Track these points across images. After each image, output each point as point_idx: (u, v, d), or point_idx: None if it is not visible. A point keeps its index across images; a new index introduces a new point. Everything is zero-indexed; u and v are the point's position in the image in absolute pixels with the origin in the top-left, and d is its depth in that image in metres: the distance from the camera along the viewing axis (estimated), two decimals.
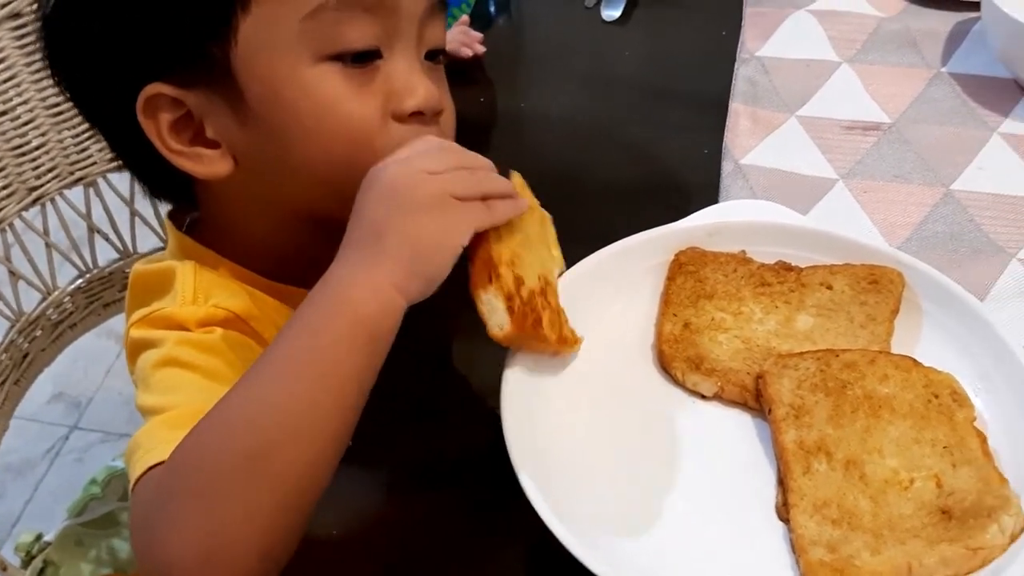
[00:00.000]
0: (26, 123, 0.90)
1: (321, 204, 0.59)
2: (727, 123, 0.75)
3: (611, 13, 0.89)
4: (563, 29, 0.91)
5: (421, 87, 0.57)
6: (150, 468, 0.49)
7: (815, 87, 0.79)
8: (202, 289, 0.59)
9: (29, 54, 0.87)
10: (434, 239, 0.49)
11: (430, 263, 0.49)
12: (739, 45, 0.83)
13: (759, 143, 0.73)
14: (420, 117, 0.57)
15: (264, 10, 0.54)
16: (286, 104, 0.56)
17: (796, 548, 0.48)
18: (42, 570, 0.92)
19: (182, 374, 0.54)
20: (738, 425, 0.54)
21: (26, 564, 0.96)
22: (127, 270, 1.04)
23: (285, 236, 0.62)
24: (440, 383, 0.62)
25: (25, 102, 0.89)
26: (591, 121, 0.81)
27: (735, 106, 0.77)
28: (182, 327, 0.56)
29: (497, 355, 0.54)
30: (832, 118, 0.76)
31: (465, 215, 0.50)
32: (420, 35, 0.57)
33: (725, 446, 0.54)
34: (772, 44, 0.83)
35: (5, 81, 0.87)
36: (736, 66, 0.81)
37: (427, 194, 0.50)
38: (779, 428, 0.52)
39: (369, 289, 0.48)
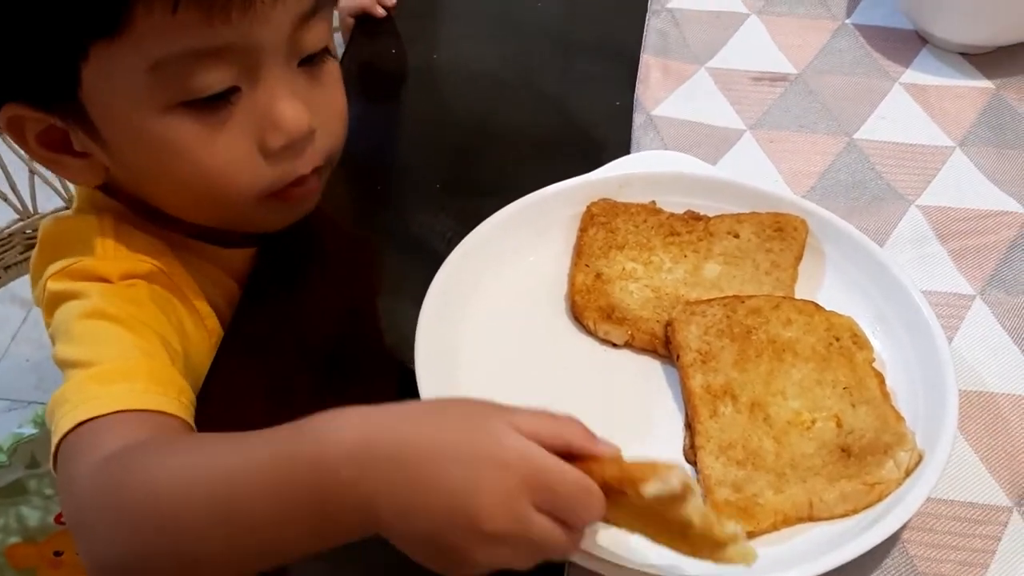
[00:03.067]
0: None
1: (188, 218, 0.58)
2: (639, 75, 0.75)
3: None
4: None
5: (286, 118, 0.52)
6: (80, 424, 0.47)
7: (724, 38, 0.80)
8: (123, 241, 0.57)
9: None
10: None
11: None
12: (649, 1, 0.83)
13: (670, 95, 0.74)
14: (291, 147, 0.54)
15: (103, 60, 0.49)
16: (140, 149, 0.53)
17: (703, 488, 0.49)
18: None
19: (108, 327, 0.52)
20: (648, 372, 0.55)
21: None
22: (28, 231, 1.01)
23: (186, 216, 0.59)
24: (352, 337, 0.62)
25: None
26: (503, 73, 0.80)
27: (646, 58, 0.77)
28: (104, 279, 0.54)
29: (409, 308, 0.54)
30: (740, 69, 0.77)
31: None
32: (290, 49, 0.52)
33: (635, 392, 0.54)
34: None
35: None
36: (647, 17, 0.81)
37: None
38: (687, 373, 0.53)
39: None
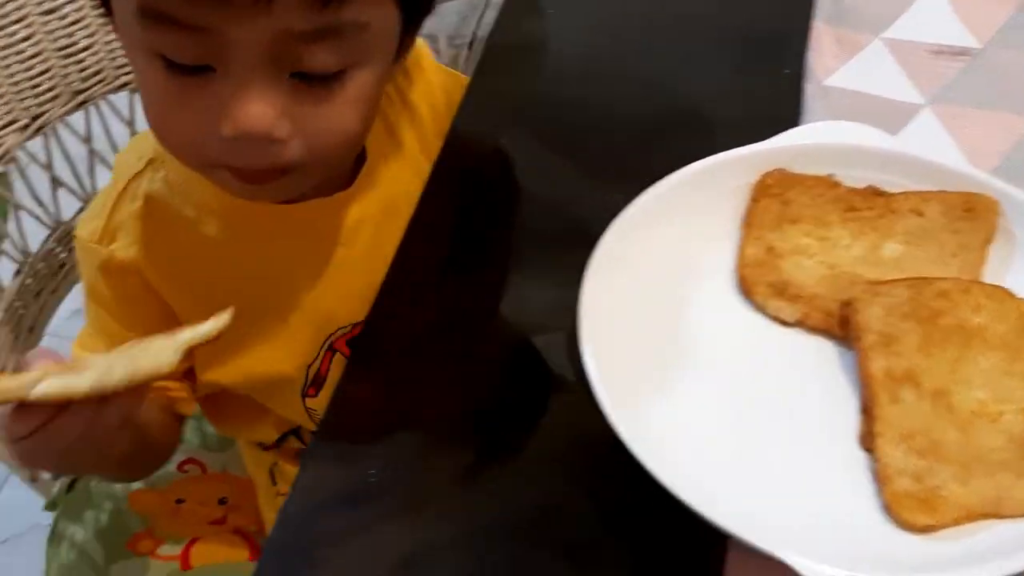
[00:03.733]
0: (74, 23, 0.87)
1: None
2: (810, 43, 0.72)
3: None
4: None
5: (242, 114, 0.51)
6: None
7: (900, 8, 0.75)
8: (110, 229, 0.64)
9: None
10: None
11: None
12: None
13: (843, 65, 0.70)
14: (249, 141, 0.53)
15: None
16: (139, 81, 0.56)
17: (880, 478, 0.46)
18: (72, 483, 0.91)
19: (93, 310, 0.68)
20: (821, 353, 0.52)
21: (56, 476, 0.96)
22: None
23: None
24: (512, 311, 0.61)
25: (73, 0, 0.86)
26: (666, 43, 0.77)
27: (818, 25, 0.73)
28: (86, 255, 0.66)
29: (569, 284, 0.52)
30: (918, 41, 0.72)
31: None
32: (275, 58, 0.51)
33: (807, 374, 0.52)
34: None
35: None
36: None
37: None
38: (867, 356, 0.50)
39: None
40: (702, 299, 0.55)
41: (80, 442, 0.52)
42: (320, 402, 0.70)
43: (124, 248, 0.65)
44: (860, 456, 0.48)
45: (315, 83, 0.53)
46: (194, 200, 0.64)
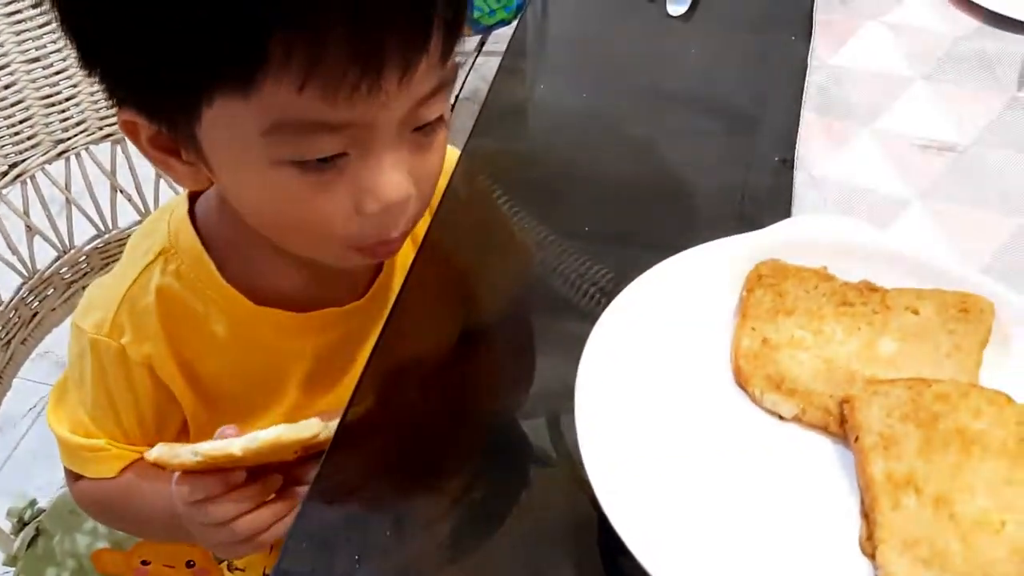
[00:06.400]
0: (58, 72, 0.86)
1: (275, 242, 0.60)
2: (799, 132, 0.72)
3: (677, 8, 0.85)
4: (627, 24, 0.88)
5: (387, 188, 0.53)
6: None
7: (888, 101, 0.76)
8: (119, 322, 0.65)
9: None
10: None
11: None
12: (810, 52, 0.80)
13: (832, 155, 0.71)
14: (390, 212, 0.55)
15: (226, 109, 0.50)
16: (245, 187, 0.55)
17: None
18: (34, 538, 0.89)
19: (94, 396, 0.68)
20: (817, 451, 0.52)
21: (18, 531, 0.93)
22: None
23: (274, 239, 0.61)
24: (499, 390, 0.60)
25: (59, 50, 0.85)
26: (658, 123, 0.77)
27: (807, 115, 0.74)
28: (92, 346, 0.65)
29: (558, 361, 0.52)
30: (905, 135, 0.73)
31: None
32: (405, 123, 0.53)
33: (804, 472, 0.51)
34: (844, 54, 0.80)
35: (41, 27, 0.83)
36: (808, 73, 0.78)
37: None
38: (867, 458, 0.49)
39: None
40: (697, 389, 0.54)
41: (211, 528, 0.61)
42: None
43: (137, 345, 0.64)
44: (861, 562, 0.47)
45: (422, 134, 0.55)
46: (204, 297, 0.64)
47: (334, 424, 0.55)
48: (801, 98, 0.76)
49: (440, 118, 0.55)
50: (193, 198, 0.66)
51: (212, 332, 0.65)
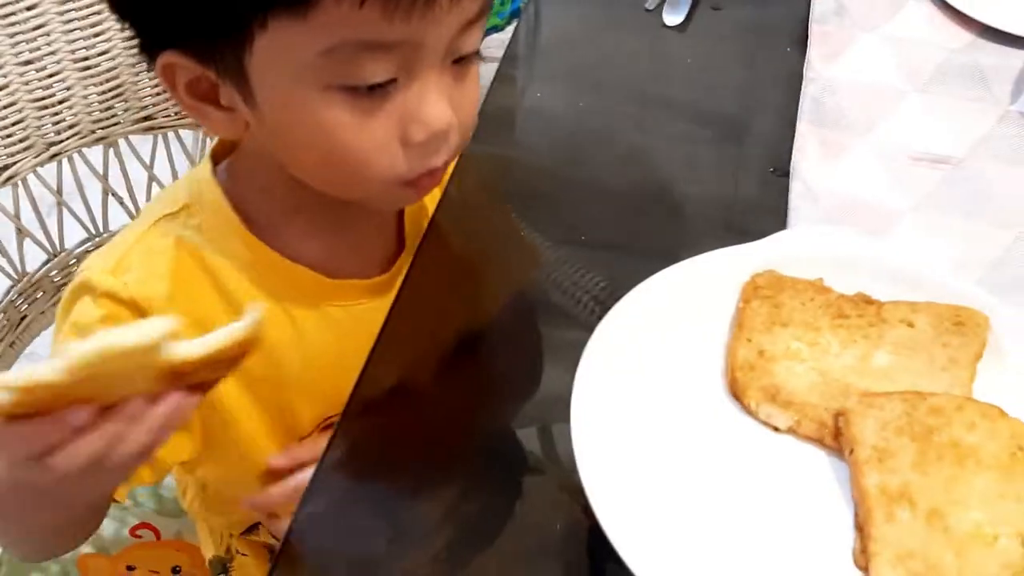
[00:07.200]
0: (52, 75, 0.85)
1: (316, 185, 0.60)
2: (795, 143, 0.73)
3: (674, 18, 0.86)
4: (623, 33, 0.88)
5: (432, 116, 0.54)
6: None
7: (882, 114, 0.76)
8: (127, 261, 0.61)
9: (63, 2, 0.83)
10: None
11: None
12: (806, 63, 0.80)
13: (827, 166, 0.71)
14: (431, 141, 0.56)
15: (281, 32, 0.51)
16: (292, 119, 0.55)
17: None
18: None
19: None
20: (811, 463, 0.52)
21: None
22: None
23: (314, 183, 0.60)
24: (496, 395, 0.60)
25: (53, 53, 0.85)
26: (653, 134, 0.77)
27: (803, 126, 0.74)
28: (92, 292, 0.60)
29: (554, 368, 0.52)
30: (900, 147, 0.73)
31: None
32: (448, 50, 0.54)
33: (798, 484, 0.51)
34: (839, 65, 0.80)
35: (35, 29, 0.83)
36: (804, 85, 0.78)
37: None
38: (861, 471, 0.49)
39: None
40: (692, 399, 0.54)
41: (70, 480, 0.44)
42: None
43: (139, 284, 0.60)
44: (854, 573, 0.47)
45: (461, 66, 0.56)
46: (228, 251, 0.62)
47: (240, 325, 0.43)
48: (796, 109, 0.77)
49: (476, 52, 0.56)
50: (215, 163, 0.65)
51: (224, 288, 0.62)
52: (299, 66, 0.52)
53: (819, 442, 0.52)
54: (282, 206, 0.63)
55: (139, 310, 0.59)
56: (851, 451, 0.50)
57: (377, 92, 0.53)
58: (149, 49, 0.55)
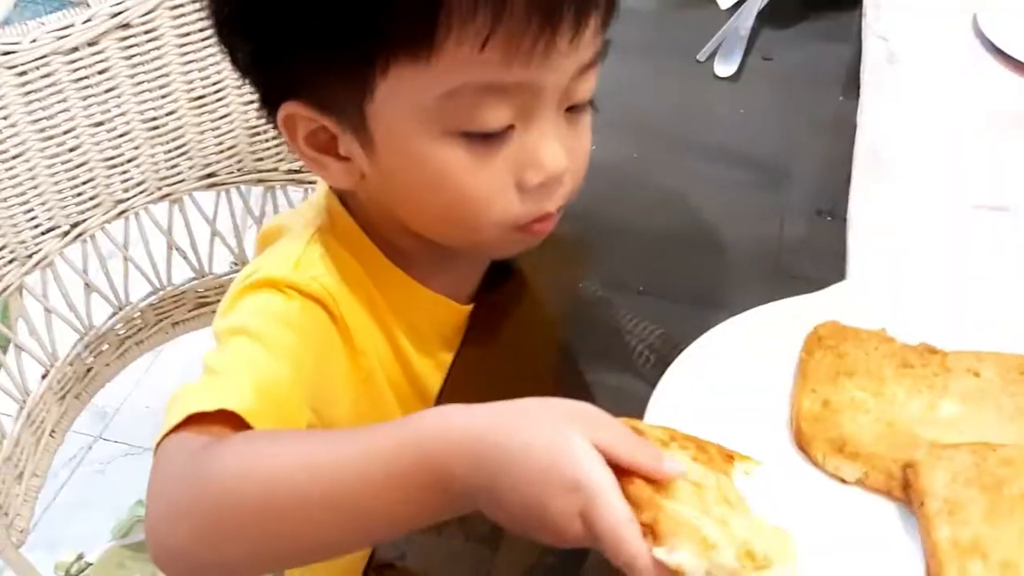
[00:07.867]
0: (121, 135, 0.88)
1: (429, 233, 0.61)
2: (851, 192, 0.73)
3: (726, 69, 0.87)
4: (674, 84, 0.89)
5: (548, 160, 0.56)
6: (175, 428, 0.49)
7: (938, 161, 0.77)
8: (307, 259, 0.60)
9: (134, 65, 0.86)
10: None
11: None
12: (859, 111, 0.81)
13: (885, 214, 0.71)
14: (545, 186, 0.57)
15: (402, 77, 0.52)
16: (409, 165, 0.56)
17: None
18: None
19: (246, 344, 0.55)
20: (881, 515, 0.51)
21: None
22: (200, 290, 1.03)
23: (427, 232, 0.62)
24: None
25: (123, 114, 0.88)
26: (703, 181, 0.78)
27: (858, 174, 0.75)
28: (275, 286, 0.58)
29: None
30: (958, 194, 0.73)
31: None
32: (565, 96, 0.55)
33: (868, 537, 0.51)
34: (893, 113, 0.81)
35: (107, 91, 0.86)
36: (857, 133, 0.79)
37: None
38: (931, 523, 0.49)
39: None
40: (758, 451, 0.54)
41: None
42: None
43: (326, 276, 0.59)
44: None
45: (574, 114, 0.57)
46: (367, 265, 0.63)
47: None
48: (846, 154, 0.77)
49: (590, 101, 0.58)
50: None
51: (372, 299, 0.62)
52: (419, 111, 0.53)
53: (888, 494, 0.52)
54: (390, 253, 0.64)
55: (324, 305, 0.59)
56: (921, 503, 0.50)
57: (494, 139, 0.54)
58: (271, 102, 0.57)
